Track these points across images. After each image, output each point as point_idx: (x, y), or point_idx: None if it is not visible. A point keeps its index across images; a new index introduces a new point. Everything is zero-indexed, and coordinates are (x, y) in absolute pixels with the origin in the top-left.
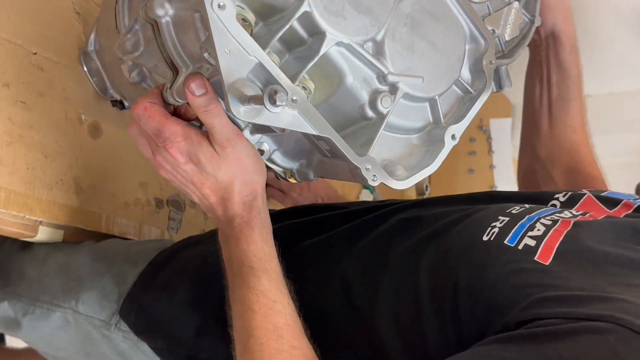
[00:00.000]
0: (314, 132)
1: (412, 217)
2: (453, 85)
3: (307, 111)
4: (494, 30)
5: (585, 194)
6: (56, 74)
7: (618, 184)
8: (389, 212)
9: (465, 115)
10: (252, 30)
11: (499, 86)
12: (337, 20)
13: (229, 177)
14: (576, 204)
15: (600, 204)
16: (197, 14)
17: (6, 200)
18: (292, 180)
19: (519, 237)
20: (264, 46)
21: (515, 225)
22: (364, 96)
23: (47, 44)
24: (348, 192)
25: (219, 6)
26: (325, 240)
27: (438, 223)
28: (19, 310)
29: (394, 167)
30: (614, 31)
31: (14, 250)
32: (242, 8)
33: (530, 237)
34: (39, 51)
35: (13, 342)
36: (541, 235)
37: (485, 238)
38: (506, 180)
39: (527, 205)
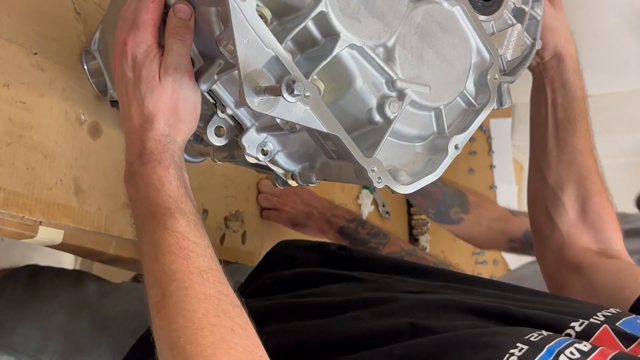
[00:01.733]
0: (324, 130)
1: (421, 325)
2: (458, 97)
3: (318, 108)
4: (497, 50)
5: (602, 326)
6: (56, 74)
7: (618, 184)
8: (397, 312)
9: (469, 127)
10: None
11: (500, 103)
12: (352, 22)
13: (155, 109)
14: (592, 336)
15: (616, 339)
16: (213, 8)
17: (5, 200)
18: (292, 183)
19: None
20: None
21: (534, 358)
22: (372, 100)
23: (47, 44)
24: (347, 197)
25: None
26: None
27: (451, 334)
28: None
29: (397, 173)
30: (614, 31)
31: (12, 298)
32: (259, 5)
33: None
34: (39, 51)
35: None
36: None
37: None
38: (506, 180)
39: (544, 333)
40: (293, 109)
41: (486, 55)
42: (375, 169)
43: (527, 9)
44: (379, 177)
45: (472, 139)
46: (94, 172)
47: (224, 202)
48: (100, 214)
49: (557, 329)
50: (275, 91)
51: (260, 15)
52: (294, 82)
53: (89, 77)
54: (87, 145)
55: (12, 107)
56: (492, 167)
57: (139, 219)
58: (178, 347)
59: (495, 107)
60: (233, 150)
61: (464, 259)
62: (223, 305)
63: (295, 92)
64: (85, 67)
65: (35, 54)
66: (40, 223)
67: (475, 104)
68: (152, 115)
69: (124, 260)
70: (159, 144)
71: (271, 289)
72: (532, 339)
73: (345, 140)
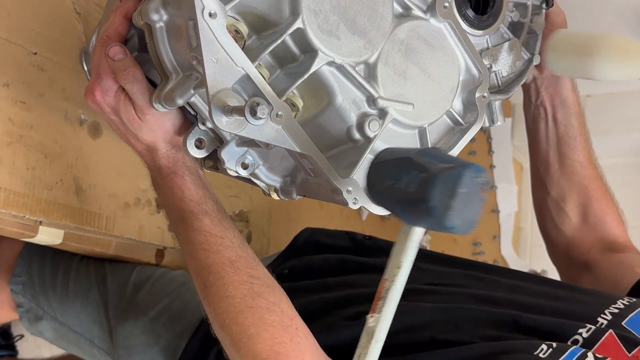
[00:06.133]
0: (297, 149)
1: (440, 339)
2: (444, 116)
3: (291, 127)
4: (490, 65)
5: (608, 331)
6: (56, 74)
7: (618, 184)
8: (417, 327)
9: (454, 147)
10: (244, 42)
11: (491, 121)
12: (331, 39)
13: (151, 139)
14: (598, 342)
15: (620, 344)
16: (190, 22)
17: (6, 200)
18: (274, 196)
19: None
20: (254, 59)
21: None
22: (352, 118)
23: (47, 44)
24: None
25: (210, 14)
26: None
27: (469, 349)
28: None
29: None
30: (613, 31)
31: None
32: (237, 20)
33: None
34: (39, 51)
35: (25, 354)
36: None
37: None
38: (506, 180)
39: (554, 345)
40: (264, 128)
41: (475, 73)
42: (351, 189)
43: (526, 22)
44: (355, 198)
45: (472, 139)
46: (95, 172)
47: (226, 202)
48: (100, 214)
49: (565, 335)
50: (241, 112)
51: (236, 31)
52: (258, 104)
53: (89, 78)
54: (88, 145)
55: (12, 107)
56: (492, 167)
57: (173, 222)
58: (225, 327)
59: (487, 124)
60: (216, 162)
61: None
62: (256, 288)
63: (259, 115)
64: (85, 68)
65: (35, 54)
66: (41, 223)
67: (463, 122)
68: (151, 142)
69: (124, 260)
70: (169, 158)
71: (301, 272)
72: (541, 354)
73: (319, 160)
